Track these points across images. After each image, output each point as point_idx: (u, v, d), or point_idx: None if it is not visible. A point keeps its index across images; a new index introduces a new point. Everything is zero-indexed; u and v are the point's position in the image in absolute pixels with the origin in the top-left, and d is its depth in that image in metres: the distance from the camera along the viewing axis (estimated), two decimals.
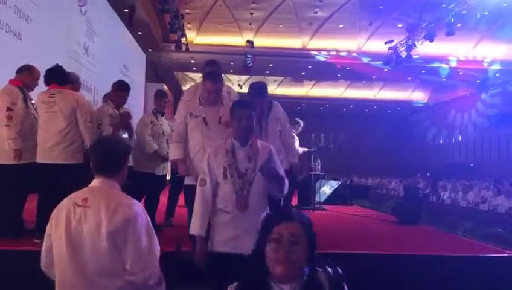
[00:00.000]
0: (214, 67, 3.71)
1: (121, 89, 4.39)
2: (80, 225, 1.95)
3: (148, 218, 2.06)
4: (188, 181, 3.39)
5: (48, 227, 2.08)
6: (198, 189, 2.71)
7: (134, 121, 4.73)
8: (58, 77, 4.00)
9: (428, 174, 19.52)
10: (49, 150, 3.79)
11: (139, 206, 2.03)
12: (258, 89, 3.74)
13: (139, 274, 1.95)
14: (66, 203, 2.04)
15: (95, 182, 2.08)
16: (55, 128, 3.81)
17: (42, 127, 3.87)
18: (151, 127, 4.87)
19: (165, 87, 18.51)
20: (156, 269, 2.02)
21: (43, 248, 2.11)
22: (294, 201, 7.83)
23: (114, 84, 4.58)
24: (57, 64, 4.09)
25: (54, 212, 2.06)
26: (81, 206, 1.98)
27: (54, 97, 3.87)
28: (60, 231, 1.97)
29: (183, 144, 3.41)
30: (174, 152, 3.43)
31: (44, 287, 3.17)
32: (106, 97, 4.92)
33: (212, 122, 3.31)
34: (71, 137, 3.86)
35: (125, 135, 4.14)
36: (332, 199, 8.86)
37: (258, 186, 2.63)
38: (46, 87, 4.00)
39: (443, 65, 19.02)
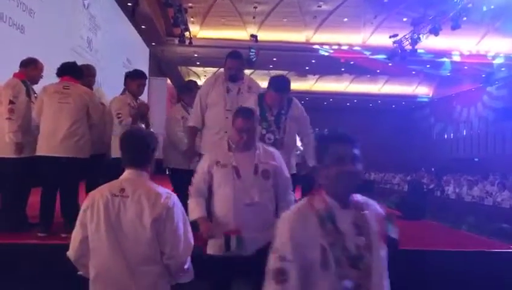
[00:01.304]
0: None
1: (138, 77, 4.25)
2: (120, 215, 2.00)
3: (183, 208, 2.17)
4: (210, 250, 2.72)
5: (81, 216, 2.08)
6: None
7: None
8: (74, 71, 3.98)
9: (433, 169, 19.44)
10: (58, 143, 3.72)
11: (175, 196, 2.12)
12: (277, 84, 3.45)
13: (176, 259, 2.04)
14: (100, 193, 2.07)
15: (128, 173, 2.13)
16: (68, 121, 3.76)
17: (52, 118, 3.77)
18: (183, 123, 4.48)
19: (168, 82, 18.49)
20: (189, 257, 2.13)
21: (76, 237, 2.09)
22: (298, 195, 7.80)
23: (128, 74, 4.46)
24: (75, 62, 4.12)
25: (87, 203, 2.07)
26: (118, 196, 2.03)
27: (68, 89, 3.83)
28: (99, 222, 2.00)
29: (203, 198, 2.72)
30: (194, 211, 2.65)
31: (47, 281, 3.17)
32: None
33: (246, 172, 2.65)
34: (82, 131, 3.84)
35: (142, 126, 4.06)
36: None
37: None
38: (58, 79, 3.96)
39: (448, 59, 18.89)
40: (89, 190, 4.30)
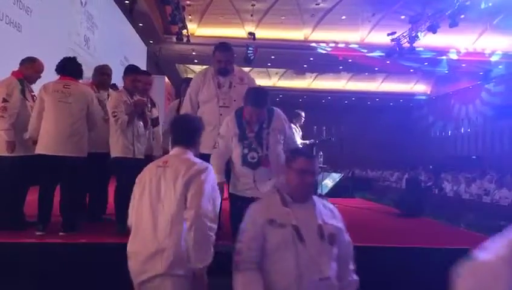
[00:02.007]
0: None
1: (130, 73, 4.02)
2: (160, 181, 2.26)
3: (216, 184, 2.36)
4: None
5: (134, 187, 2.38)
6: None
7: None
8: (75, 69, 3.95)
9: (431, 166, 19.47)
10: (59, 142, 3.70)
11: (211, 168, 2.35)
12: (255, 99, 3.04)
13: (193, 211, 2.14)
14: (149, 167, 2.39)
15: (175, 150, 2.41)
16: (69, 120, 3.74)
17: (51, 117, 3.73)
18: None
19: (166, 80, 18.45)
20: (212, 217, 2.21)
21: (132, 206, 2.36)
22: None
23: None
24: (74, 57, 4.05)
25: (139, 176, 2.38)
26: (161, 167, 2.31)
27: (69, 88, 3.79)
28: (144, 189, 2.28)
29: (258, 272, 2.06)
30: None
31: (46, 280, 3.16)
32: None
33: (310, 236, 2.06)
34: (82, 130, 3.83)
35: (140, 123, 3.97)
36: (334, 191, 8.82)
37: None
38: (58, 76, 3.93)
39: (446, 57, 18.91)
40: (90, 188, 4.31)
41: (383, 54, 17.83)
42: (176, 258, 2.13)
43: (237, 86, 3.72)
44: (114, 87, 5.06)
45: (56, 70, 3.92)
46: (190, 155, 2.38)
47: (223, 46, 3.75)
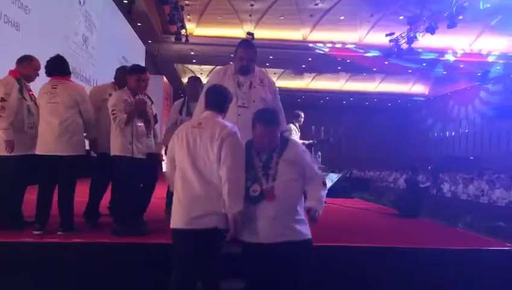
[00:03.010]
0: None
1: (136, 72, 3.95)
2: (197, 140, 2.63)
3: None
4: None
5: (170, 144, 2.79)
6: None
7: None
8: (59, 68, 3.94)
9: (429, 167, 19.51)
10: (51, 142, 3.72)
11: (237, 129, 2.71)
12: (266, 117, 2.71)
13: (226, 167, 2.53)
14: (184, 128, 2.76)
15: (207, 114, 2.77)
16: (57, 119, 3.75)
17: (44, 119, 3.79)
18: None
19: (164, 79, 18.44)
20: (241, 171, 2.59)
21: (168, 159, 2.81)
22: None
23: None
24: (58, 55, 4.02)
25: (176, 133, 2.77)
26: (196, 128, 2.68)
27: (56, 88, 3.81)
28: (182, 146, 2.66)
29: None
30: None
31: (44, 279, 3.16)
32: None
33: None
34: (73, 129, 3.82)
35: (141, 124, 3.93)
36: (332, 191, 8.79)
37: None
38: (48, 78, 3.94)
39: (444, 58, 18.95)
40: (96, 187, 4.30)
41: (381, 54, 17.85)
42: (217, 201, 2.56)
43: (257, 86, 3.56)
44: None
45: (45, 73, 3.93)
46: (220, 119, 2.74)
47: (246, 42, 3.62)
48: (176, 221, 2.61)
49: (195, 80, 4.90)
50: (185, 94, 4.75)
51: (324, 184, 2.74)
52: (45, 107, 3.79)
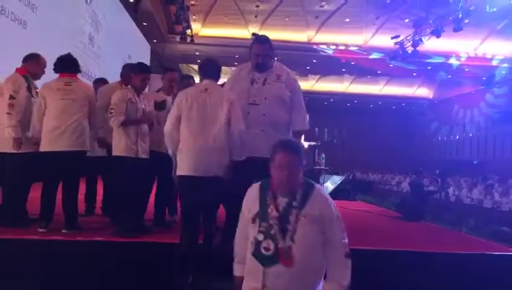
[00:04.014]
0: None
1: (142, 71, 3.92)
2: (207, 101, 3.16)
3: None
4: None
5: (177, 100, 3.23)
6: None
7: None
8: (71, 66, 3.96)
9: (437, 171, 19.39)
10: (64, 138, 3.71)
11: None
12: (284, 143, 2.11)
13: (233, 126, 3.14)
14: (192, 92, 3.23)
15: (207, 82, 3.26)
16: (71, 116, 3.76)
17: (55, 115, 3.75)
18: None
19: None
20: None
21: (172, 115, 3.20)
22: None
23: (125, 67, 4.47)
24: (69, 53, 4.04)
25: (181, 94, 3.24)
26: (204, 92, 3.19)
27: (70, 85, 3.83)
28: (192, 106, 3.14)
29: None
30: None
31: (48, 277, 3.17)
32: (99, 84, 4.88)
33: None
34: (85, 126, 3.85)
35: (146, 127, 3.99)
36: (335, 193, 8.80)
37: None
38: (57, 75, 3.94)
39: (449, 61, 18.90)
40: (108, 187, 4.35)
41: (386, 57, 17.82)
42: (225, 152, 3.14)
43: (272, 83, 3.44)
44: (100, 82, 5.07)
45: (54, 69, 3.93)
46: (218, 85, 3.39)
47: (261, 38, 3.55)
48: (185, 169, 3.09)
49: (189, 78, 4.92)
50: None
51: (347, 256, 2.05)
52: (56, 104, 3.76)
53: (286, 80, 3.49)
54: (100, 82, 5.09)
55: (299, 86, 3.67)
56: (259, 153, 3.13)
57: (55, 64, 3.93)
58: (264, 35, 3.61)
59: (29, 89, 3.94)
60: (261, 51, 3.42)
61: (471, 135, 24.39)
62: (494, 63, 18.78)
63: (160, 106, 4.16)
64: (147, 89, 4.34)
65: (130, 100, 3.77)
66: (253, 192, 2.13)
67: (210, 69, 3.31)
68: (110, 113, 3.72)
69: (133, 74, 3.92)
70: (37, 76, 4.11)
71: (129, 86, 3.95)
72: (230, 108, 3.14)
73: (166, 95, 4.30)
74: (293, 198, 2.03)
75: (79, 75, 4.08)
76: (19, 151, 3.81)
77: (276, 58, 3.76)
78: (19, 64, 4.07)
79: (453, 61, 18.83)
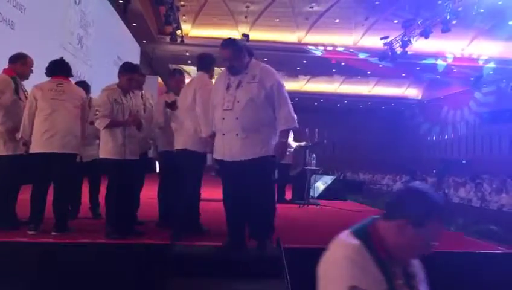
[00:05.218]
0: None
1: (128, 71, 3.88)
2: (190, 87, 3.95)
3: None
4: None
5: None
6: None
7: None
8: (64, 69, 3.95)
9: (434, 171, 19.48)
10: (56, 139, 3.68)
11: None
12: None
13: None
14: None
15: (199, 74, 4.04)
16: (64, 117, 3.73)
17: (47, 116, 3.70)
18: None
19: (159, 80, 18.41)
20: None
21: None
22: (289, 195, 7.83)
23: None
24: (62, 58, 4.04)
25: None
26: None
27: (62, 86, 3.81)
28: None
29: None
30: None
31: (38, 280, 3.15)
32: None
33: None
34: (76, 129, 3.83)
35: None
36: (326, 194, 8.84)
37: None
38: (49, 78, 3.91)
39: (438, 62, 19.08)
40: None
41: (375, 57, 17.94)
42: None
43: (246, 85, 3.29)
44: (84, 84, 5.01)
45: (46, 73, 3.90)
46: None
47: (224, 42, 3.41)
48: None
49: (180, 73, 4.86)
50: (168, 88, 4.90)
51: None
52: (47, 104, 3.73)
53: (260, 79, 3.31)
54: (81, 85, 4.96)
55: (278, 80, 3.45)
56: (234, 157, 3.20)
57: (47, 68, 3.91)
58: (230, 38, 3.50)
59: (16, 91, 3.90)
60: (225, 55, 3.33)
61: (459, 134, 24.62)
62: (483, 63, 18.99)
63: (171, 105, 4.20)
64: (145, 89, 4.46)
65: (116, 100, 3.73)
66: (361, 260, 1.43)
67: (204, 63, 4.07)
68: (95, 114, 3.70)
69: (119, 73, 3.89)
70: (25, 76, 4.08)
71: (115, 86, 3.89)
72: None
73: (176, 96, 4.33)
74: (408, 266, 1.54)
75: None
76: (6, 153, 3.77)
77: (265, 59, 3.78)
78: (6, 65, 4.03)
79: (441, 61, 19.01)
